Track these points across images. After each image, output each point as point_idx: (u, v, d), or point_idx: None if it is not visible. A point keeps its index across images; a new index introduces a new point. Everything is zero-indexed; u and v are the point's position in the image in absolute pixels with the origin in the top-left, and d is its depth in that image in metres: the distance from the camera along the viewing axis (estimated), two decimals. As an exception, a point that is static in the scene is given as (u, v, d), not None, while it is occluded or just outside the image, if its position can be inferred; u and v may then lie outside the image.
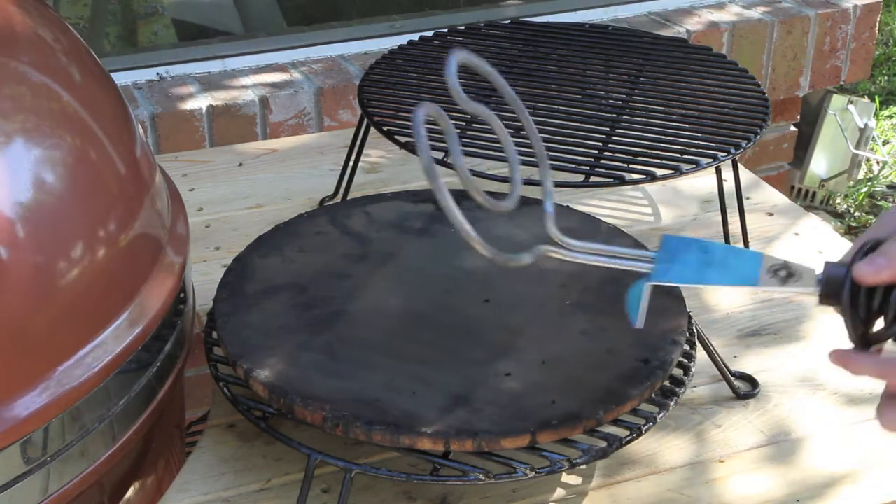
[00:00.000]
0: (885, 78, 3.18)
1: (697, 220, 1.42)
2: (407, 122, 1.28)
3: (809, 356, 1.17)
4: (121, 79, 1.97)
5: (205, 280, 1.21)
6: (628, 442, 0.95)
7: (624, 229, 1.21)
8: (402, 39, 1.51)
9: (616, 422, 0.95)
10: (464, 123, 1.27)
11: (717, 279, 0.75)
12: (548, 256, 0.81)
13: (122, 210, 0.93)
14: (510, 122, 1.29)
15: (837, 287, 0.71)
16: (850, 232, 2.56)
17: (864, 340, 0.72)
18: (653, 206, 1.45)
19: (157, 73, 2.03)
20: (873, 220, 2.47)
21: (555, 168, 1.20)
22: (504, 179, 1.21)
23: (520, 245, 0.79)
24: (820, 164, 2.60)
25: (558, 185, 1.30)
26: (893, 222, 0.73)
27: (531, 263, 0.79)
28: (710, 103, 1.34)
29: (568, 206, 1.27)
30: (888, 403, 0.72)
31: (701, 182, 1.47)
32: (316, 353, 0.99)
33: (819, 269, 0.73)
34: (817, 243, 1.36)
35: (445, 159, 1.21)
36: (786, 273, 0.73)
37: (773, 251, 1.34)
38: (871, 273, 0.69)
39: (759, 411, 1.09)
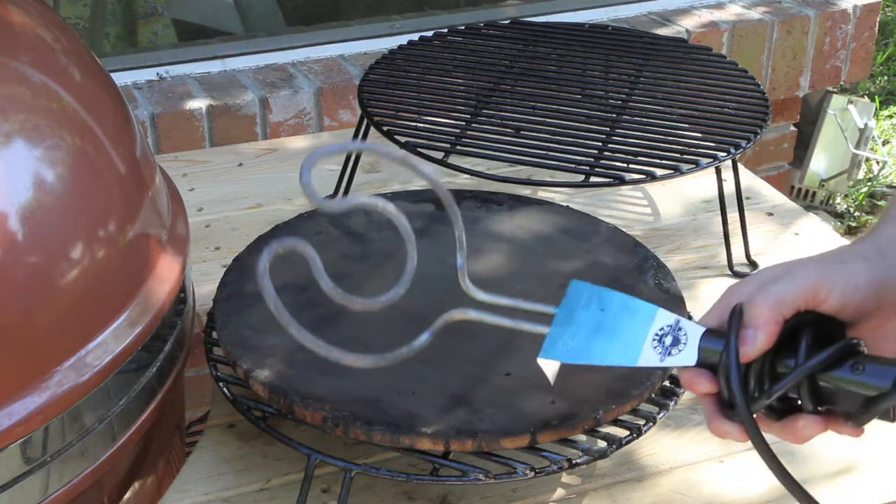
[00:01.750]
0: (885, 78, 3.18)
1: (697, 220, 1.42)
2: (407, 122, 1.28)
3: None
4: (121, 79, 1.97)
5: (205, 280, 1.21)
6: (628, 442, 0.95)
7: (624, 229, 1.21)
8: (402, 39, 1.51)
9: (616, 422, 0.95)
10: (463, 124, 1.27)
11: (600, 355, 0.74)
12: (450, 323, 0.80)
13: (122, 210, 0.93)
14: (513, 117, 1.29)
15: (714, 361, 0.70)
16: (849, 232, 2.56)
17: (732, 413, 0.71)
18: (653, 206, 1.45)
19: (157, 73, 2.03)
20: (873, 221, 2.47)
21: (555, 168, 1.21)
22: (504, 179, 1.22)
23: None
24: (820, 164, 2.60)
25: (558, 185, 1.30)
26: (758, 279, 0.72)
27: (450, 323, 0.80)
28: (710, 103, 1.33)
29: (568, 206, 1.27)
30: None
31: (701, 182, 1.47)
32: (316, 353, 0.99)
33: (701, 331, 0.71)
34: (817, 243, 1.36)
35: (445, 159, 1.21)
36: (671, 340, 0.72)
37: (774, 251, 1.34)
38: (750, 351, 0.68)
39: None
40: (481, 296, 0.81)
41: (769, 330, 0.68)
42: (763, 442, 0.69)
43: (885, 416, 0.66)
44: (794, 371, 0.67)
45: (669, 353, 0.71)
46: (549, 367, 0.77)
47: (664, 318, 0.73)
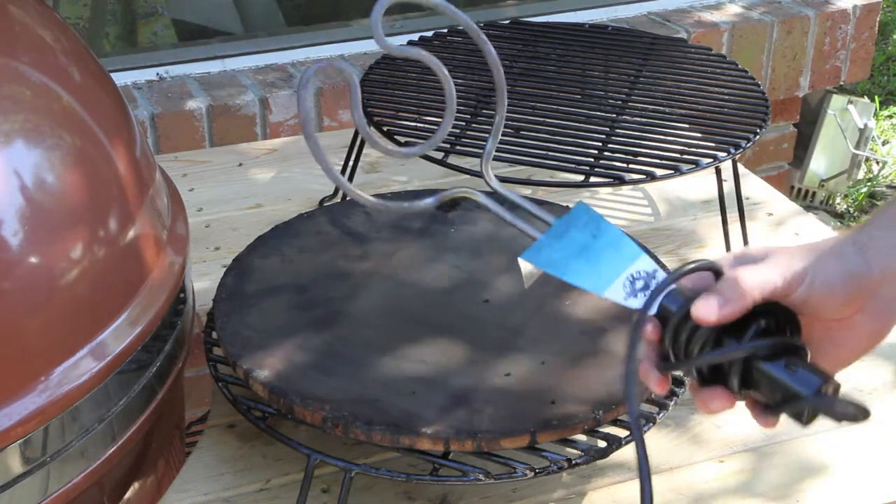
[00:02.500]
0: (885, 78, 3.18)
1: (697, 220, 1.42)
2: (407, 122, 1.28)
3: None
4: (121, 79, 1.97)
5: (205, 280, 1.21)
6: (628, 442, 0.95)
7: (624, 229, 1.21)
8: (402, 39, 1.51)
9: (616, 422, 0.95)
10: (463, 124, 1.27)
11: (575, 275, 0.76)
12: (456, 199, 0.83)
13: (122, 210, 0.93)
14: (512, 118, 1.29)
15: (667, 316, 0.73)
16: (849, 232, 2.56)
17: (664, 365, 0.74)
18: (652, 206, 1.45)
19: (157, 73, 2.03)
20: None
21: (555, 168, 1.21)
22: (504, 179, 1.21)
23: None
24: (820, 164, 2.60)
25: (558, 185, 1.30)
26: (743, 256, 0.74)
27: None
28: (710, 103, 1.33)
29: (568, 206, 1.26)
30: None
31: (701, 182, 1.47)
32: (316, 353, 0.99)
33: (675, 285, 0.73)
34: (817, 243, 1.35)
35: (445, 159, 1.21)
36: (642, 285, 0.75)
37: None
38: (707, 316, 0.70)
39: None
40: (496, 184, 0.84)
41: (734, 308, 0.70)
42: (633, 394, 0.72)
43: (798, 419, 0.70)
44: (730, 347, 0.70)
45: (634, 295, 0.75)
46: (527, 269, 0.79)
47: (644, 263, 0.77)
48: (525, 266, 0.79)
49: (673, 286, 0.73)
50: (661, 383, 0.74)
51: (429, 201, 0.83)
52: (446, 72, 0.78)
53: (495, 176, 0.84)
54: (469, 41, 1.50)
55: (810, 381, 0.69)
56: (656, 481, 1.01)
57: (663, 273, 0.75)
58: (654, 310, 0.73)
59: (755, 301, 0.70)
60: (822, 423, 1.10)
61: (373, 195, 0.80)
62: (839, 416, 0.68)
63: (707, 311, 0.70)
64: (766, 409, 0.71)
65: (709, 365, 0.71)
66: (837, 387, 0.69)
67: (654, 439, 1.05)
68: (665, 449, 1.05)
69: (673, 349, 0.72)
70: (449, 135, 1.24)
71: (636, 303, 0.74)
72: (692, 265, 0.73)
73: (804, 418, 0.69)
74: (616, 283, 0.76)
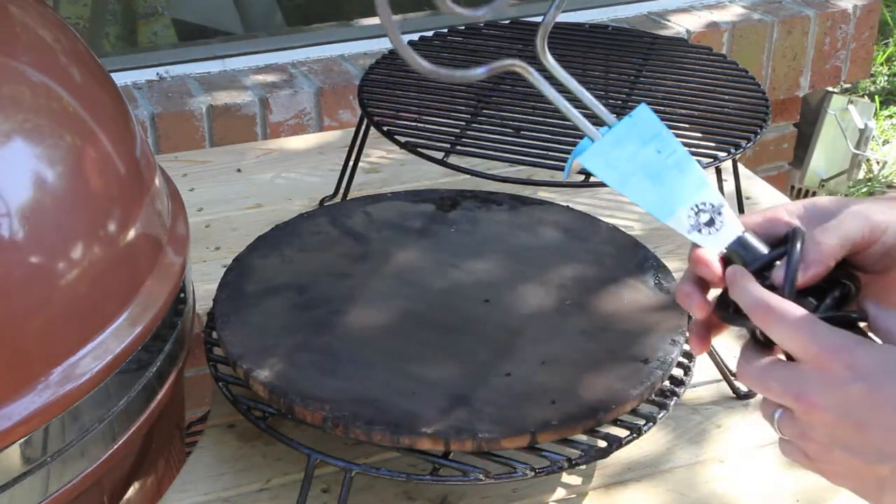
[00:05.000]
0: (885, 78, 3.18)
1: (697, 220, 1.41)
2: (407, 122, 1.28)
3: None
4: (121, 79, 1.97)
5: (205, 280, 1.21)
6: (628, 442, 0.95)
7: (624, 229, 1.21)
8: (403, 39, 1.51)
9: (616, 422, 0.95)
10: (463, 124, 1.27)
11: (635, 193, 0.71)
12: (508, 69, 0.76)
13: (122, 210, 0.93)
14: (513, 115, 1.29)
15: (742, 262, 0.69)
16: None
17: (724, 315, 0.70)
18: (653, 206, 1.44)
19: (157, 73, 2.03)
20: None
21: (555, 168, 1.20)
22: (504, 179, 1.21)
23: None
24: (820, 164, 2.60)
25: (558, 184, 1.30)
26: (812, 210, 0.71)
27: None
28: (710, 103, 1.33)
29: (568, 205, 1.26)
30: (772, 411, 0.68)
31: (701, 182, 1.47)
32: (316, 353, 0.99)
33: (739, 230, 0.70)
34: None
35: (445, 159, 1.21)
36: (707, 219, 0.70)
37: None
38: (808, 276, 0.67)
39: (760, 411, 1.09)
40: (551, 62, 0.77)
41: (817, 272, 0.67)
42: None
43: None
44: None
45: (699, 230, 0.70)
46: (577, 167, 0.75)
47: (711, 195, 0.71)
48: (577, 164, 0.74)
49: (744, 232, 0.69)
50: (705, 332, 0.70)
51: (479, 71, 0.78)
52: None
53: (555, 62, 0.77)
54: (469, 41, 1.50)
55: None
56: (656, 482, 1.02)
57: (730, 209, 0.70)
58: (722, 249, 0.69)
59: (838, 259, 0.67)
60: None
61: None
62: None
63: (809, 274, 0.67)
64: None
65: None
66: None
67: (654, 439, 1.05)
68: (665, 449, 1.05)
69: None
70: (449, 135, 1.24)
71: (700, 238, 0.70)
72: (767, 222, 0.69)
73: None
74: (680, 213, 0.70)
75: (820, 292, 0.68)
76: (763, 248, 0.69)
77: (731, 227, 0.70)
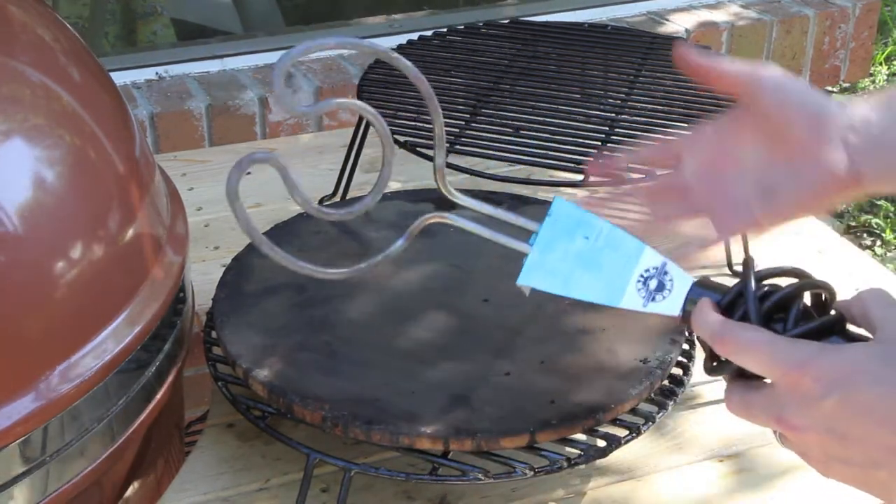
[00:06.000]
0: (885, 77, 3.18)
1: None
2: (407, 122, 1.27)
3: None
4: (120, 79, 1.97)
5: (204, 280, 1.21)
6: (627, 441, 0.95)
7: (623, 229, 1.21)
8: (402, 39, 1.51)
9: (615, 421, 0.95)
10: (462, 123, 1.27)
11: (581, 290, 0.71)
12: (427, 224, 0.77)
13: (121, 210, 0.93)
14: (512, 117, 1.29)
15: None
16: (849, 231, 2.56)
17: (712, 367, 0.69)
18: (652, 206, 1.44)
19: (157, 73, 2.03)
20: (873, 220, 2.47)
21: (555, 168, 1.20)
22: (504, 179, 1.21)
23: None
24: (819, 163, 2.60)
25: (558, 185, 1.30)
26: None
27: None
28: (709, 103, 1.33)
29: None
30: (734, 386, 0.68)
31: (700, 182, 1.47)
32: (315, 353, 0.99)
33: (689, 282, 0.69)
34: (817, 243, 1.36)
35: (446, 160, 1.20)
36: (656, 284, 0.69)
37: (773, 252, 1.34)
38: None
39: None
40: (461, 199, 0.77)
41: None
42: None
43: None
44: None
45: (653, 299, 0.69)
46: (528, 291, 0.75)
47: (651, 258, 0.70)
48: (525, 290, 0.75)
49: (694, 281, 0.69)
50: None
51: (400, 243, 0.79)
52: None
53: (456, 190, 0.78)
54: (469, 41, 1.50)
55: None
56: (656, 483, 1.02)
57: (672, 264, 0.70)
58: (678, 311, 0.69)
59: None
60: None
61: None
62: None
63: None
64: None
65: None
66: None
67: (654, 440, 1.05)
68: (664, 449, 1.05)
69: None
70: (448, 134, 1.24)
71: (657, 307, 0.69)
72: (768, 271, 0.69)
73: None
74: (629, 290, 0.70)
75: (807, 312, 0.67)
76: (721, 286, 0.69)
77: (682, 282, 0.69)
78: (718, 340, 0.66)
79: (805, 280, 0.68)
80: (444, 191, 0.77)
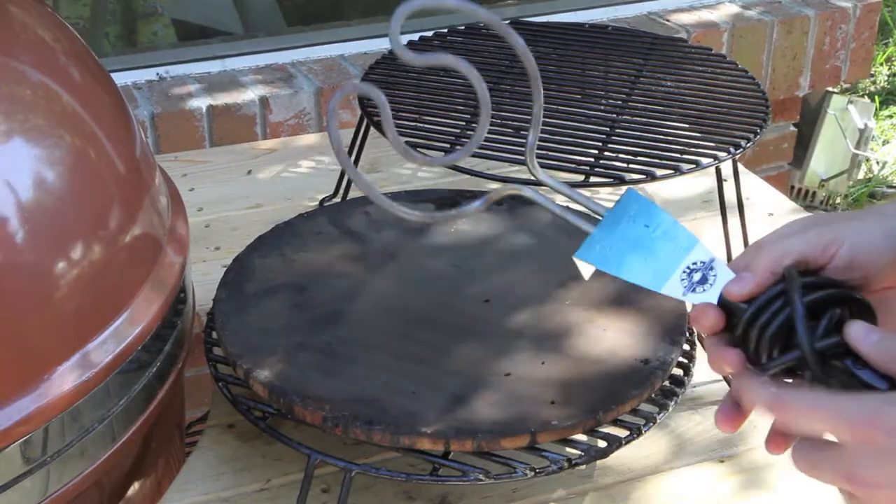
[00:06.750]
0: (885, 78, 3.18)
1: (697, 220, 1.42)
2: (407, 122, 1.28)
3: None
4: (121, 79, 1.97)
5: (205, 280, 1.21)
6: (628, 442, 0.95)
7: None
8: (403, 40, 1.51)
9: (616, 422, 0.95)
10: (463, 123, 1.27)
11: (632, 271, 0.73)
12: (505, 197, 0.80)
13: (122, 210, 0.93)
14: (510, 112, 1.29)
15: (732, 312, 0.68)
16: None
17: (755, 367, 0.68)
18: (653, 206, 1.45)
19: (157, 73, 2.03)
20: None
21: (554, 168, 1.20)
22: (504, 179, 1.21)
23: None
24: (820, 164, 2.60)
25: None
26: (779, 231, 0.70)
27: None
28: (710, 103, 1.33)
29: (568, 206, 1.26)
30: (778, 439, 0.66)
31: (701, 182, 1.47)
32: (316, 353, 0.99)
33: (731, 277, 0.69)
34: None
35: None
36: (700, 277, 0.71)
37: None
38: (737, 291, 0.67)
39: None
40: (542, 176, 0.81)
41: (761, 278, 0.67)
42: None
43: None
44: (792, 354, 0.65)
45: (693, 290, 0.71)
46: (585, 267, 0.78)
47: (700, 252, 0.72)
48: (580, 264, 0.77)
49: (733, 275, 0.69)
50: (770, 386, 0.66)
51: (476, 204, 0.80)
52: (477, 73, 0.76)
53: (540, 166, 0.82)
54: (469, 41, 1.50)
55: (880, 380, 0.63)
56: (656, 482, 1.02)
57: (721, 262, 0.71)
58: (715, 301, 0.69)
59: (784, 266, 0.66)
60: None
61: (390, 197, 0.77)
62: None
63: (735, 286, 0.67)
64: None
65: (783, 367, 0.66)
66: None
67: (654, 440, 1.05)
68: (665, 449, 1.05)
69: (744, 344, 0.67)
70: (448, 134, 1.24)
71: (695, 297, 0.70)
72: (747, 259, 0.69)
73: None
74: (673, 279, 0.72)
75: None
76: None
77: (724, 278, 0.70)
78: (776, 409, 0.64)
79: (845, 291, 0.67)
80: (530, 167, 0.81)
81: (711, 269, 0.71)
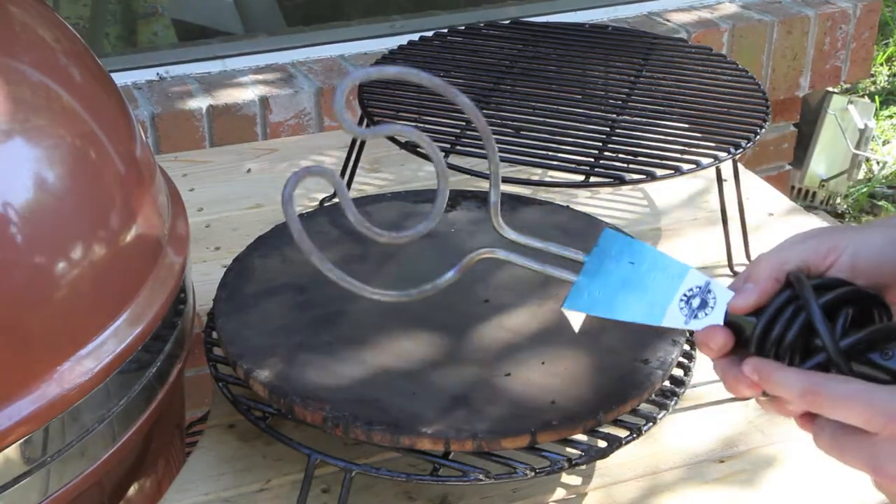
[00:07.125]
0: (885, 78, 3.18)
1: (697, 220, 1.42)
2: (407, 122, 1.28)
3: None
4: (121, 79, 1.97)
5: (205, 280, 1.21)
6: (628, 442, 0.95)
7: (624, 229, 1.21)
8: (402, 39, 1.51)
9: (616, 422, 0.95)
10: (463, 124, 1.27)
11: (624, 310, 0.72)
12: (478, 260, 0.79)
13: (122, 210, 0.93)
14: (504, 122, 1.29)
15: (740, 324, 0.68)
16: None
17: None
18: (652, 207, 1.45)
19: (157, 74, 2.03)
20: (873, 220, 2.48)
21: (555, 168, 1.21)
22: (504, 179, 1.21)
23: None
24: (820, 164, 2.61)
25: (558, 185, 1.30)
26: (781, 244, 0.70)
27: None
28: (710, 103, 1.33)
29: (568, 206, 1.27)
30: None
31: (701, 182, 1.47)
32: (316, 353, 0.99)
33: (730, 296, 0.69)
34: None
35: (445, 159, 1.20)
36: (699, 302, 0.70)
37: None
38: (741, 304, 0.67)
39: (760, 411, 1.09)
40: (511, 235, 0.80)
41: (764, 287, 0.66)
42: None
43: None
44: (820, 356, 0.65)
45: (695, 316, 0.70)
46: (574, 317, 0.77)
47: (695, 278, 0.71)
48: (571, 316, 0.76)
49: (732, 294, 0.69)
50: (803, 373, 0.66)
51: (450, 275, 0.80)
52: (438, 153, 0.75)
53: (505, 225, 0.81)
54: (469, 41, 1.50)
55: None
56: (656, 482, 1.02)
57: (716, 283, 0.70)
58: (721, 321, 0.68)
59: (786, 273, 0.66)
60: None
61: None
62: None
63: (739, 299, 0.67)
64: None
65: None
66: None
67: (653, 440, 1.05)
68: (666, 449, 1.05)
69: (761, 354, 0.67)
70: (449, 135, 1.24)
71: (698, 323, 0.69)
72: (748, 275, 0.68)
73: None
74: (671, 309, 0.70)
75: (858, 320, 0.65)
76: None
77: (724, 298, 0.69)
78: (810, 395, 0.64)
79: (860, 289, 0.67)
80: (496, 226, 0.80)
81: (709, 291, 0.70)
